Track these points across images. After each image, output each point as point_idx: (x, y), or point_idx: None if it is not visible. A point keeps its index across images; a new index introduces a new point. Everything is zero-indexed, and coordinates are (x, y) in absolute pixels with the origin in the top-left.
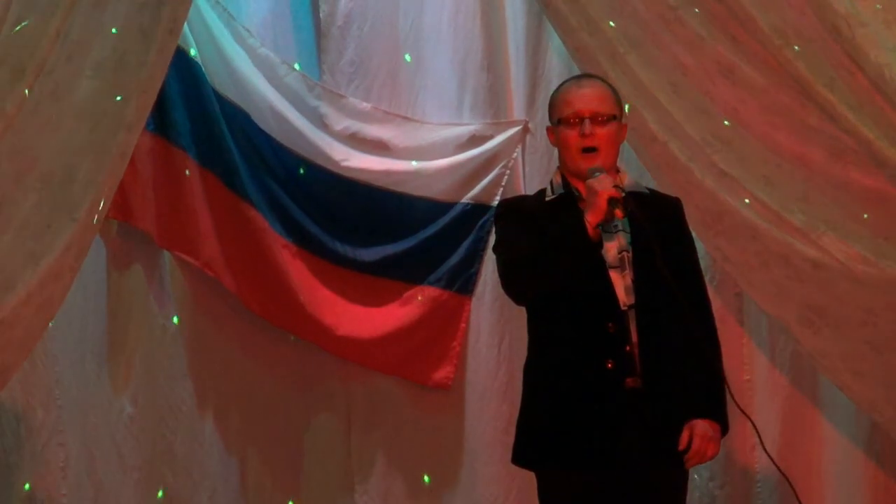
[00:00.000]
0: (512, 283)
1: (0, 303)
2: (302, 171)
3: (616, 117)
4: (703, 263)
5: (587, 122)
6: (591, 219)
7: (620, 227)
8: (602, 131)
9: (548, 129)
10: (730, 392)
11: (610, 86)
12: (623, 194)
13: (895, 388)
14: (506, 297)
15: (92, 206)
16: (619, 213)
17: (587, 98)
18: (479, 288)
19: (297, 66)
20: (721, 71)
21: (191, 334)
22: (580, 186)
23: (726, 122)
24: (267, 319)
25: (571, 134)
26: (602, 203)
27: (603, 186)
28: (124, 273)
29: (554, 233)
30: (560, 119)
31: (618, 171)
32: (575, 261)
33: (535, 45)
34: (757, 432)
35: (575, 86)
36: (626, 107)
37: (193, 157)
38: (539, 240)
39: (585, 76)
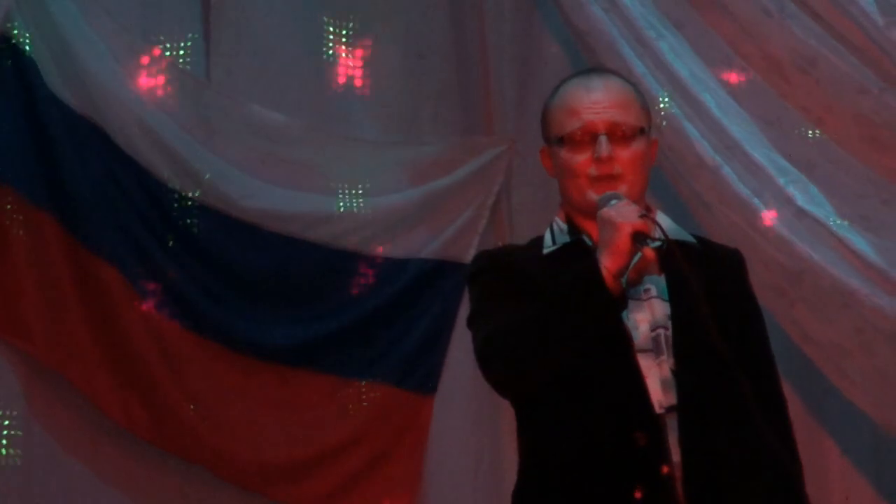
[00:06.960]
0: (494, 367)
1: None
2: (184, 213)
3: (644, 130)
4: (773, 346)
5: (603, 140)
6: (608, 264)
7: (655, 292)
8: (626, 153)
9: (542, 151)
10: None
11: (631, 84)
12: (656, 228)
13: None
14: (485, 397)
15: None
16: (648, 253)
17: (601, 104)
18: (446, 384)
19: (172, 54)
20: (798, 63)
21: (29, 465)
22: (594, 230)
23: (810, 134)
24: (137, 435)
25: (580, 158)
26: (623, 239)
27: (623, 215)
28: None
29: (555, 290)
30: (562, 137)
31: (647, 209)
32: (584, 328)
33: (525, 27)
34: None
35: (582, 87)
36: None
37: (21, 191)
38: (533, 304)
39: (595, 71)
